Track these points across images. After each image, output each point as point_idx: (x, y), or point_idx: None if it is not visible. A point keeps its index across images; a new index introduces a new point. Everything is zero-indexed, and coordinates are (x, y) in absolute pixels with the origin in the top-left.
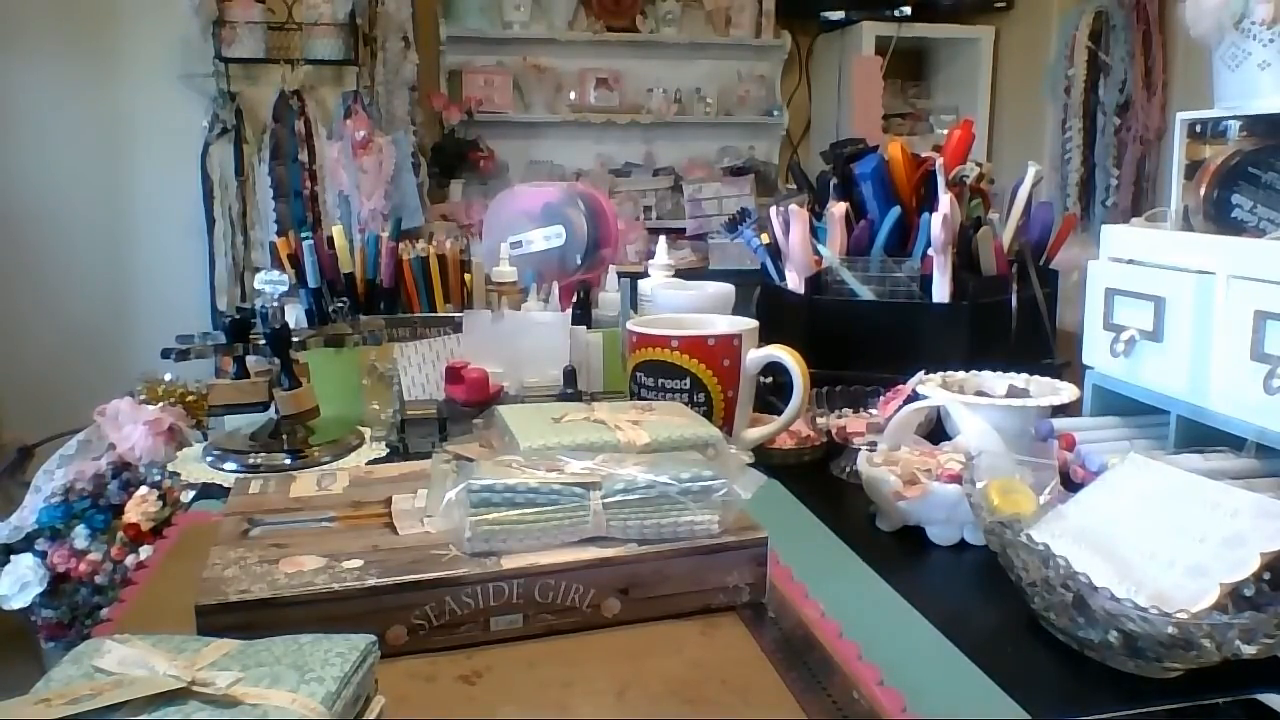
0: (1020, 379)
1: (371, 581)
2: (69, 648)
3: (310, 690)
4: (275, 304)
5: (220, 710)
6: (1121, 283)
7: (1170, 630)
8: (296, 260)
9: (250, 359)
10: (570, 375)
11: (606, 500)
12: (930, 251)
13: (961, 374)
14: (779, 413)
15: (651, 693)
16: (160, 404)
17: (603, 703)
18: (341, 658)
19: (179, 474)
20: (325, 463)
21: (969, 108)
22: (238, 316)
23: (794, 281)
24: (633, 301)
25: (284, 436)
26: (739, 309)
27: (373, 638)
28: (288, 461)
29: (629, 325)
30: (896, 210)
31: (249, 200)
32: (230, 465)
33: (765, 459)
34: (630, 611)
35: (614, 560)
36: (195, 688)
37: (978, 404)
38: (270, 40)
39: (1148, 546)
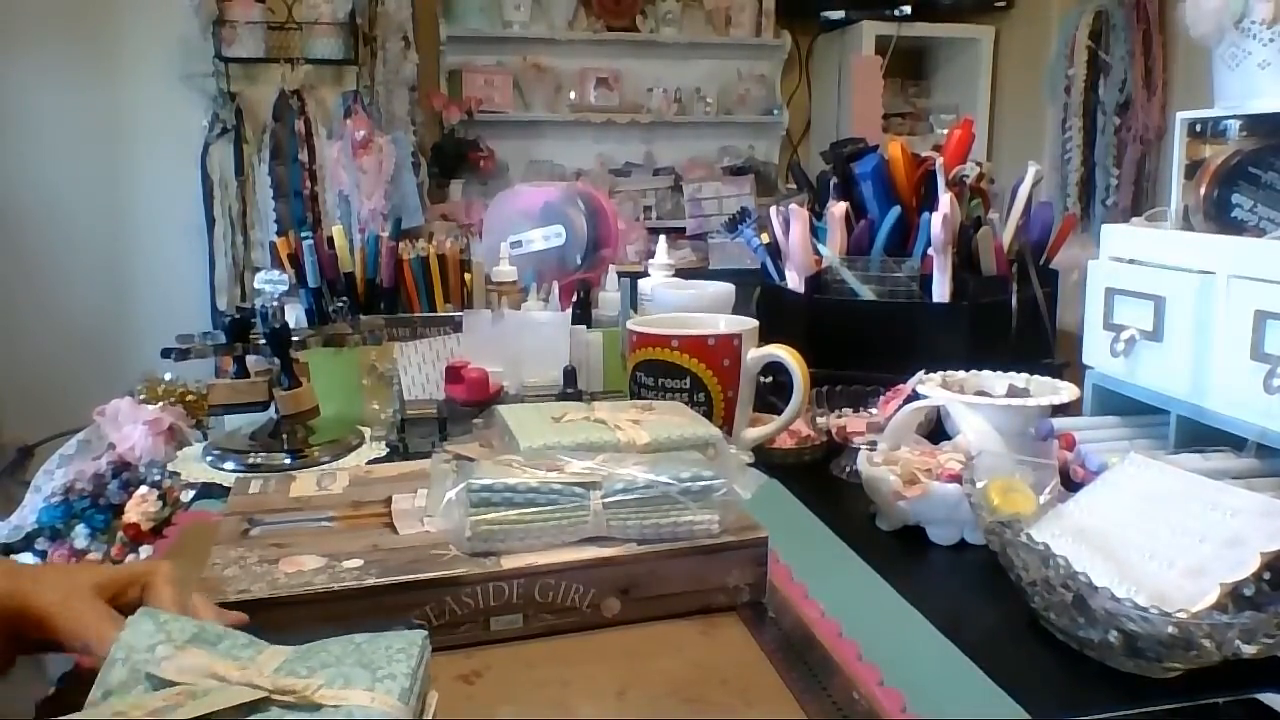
0: (1020, 379)
1: (371, 581)
2: None
3: (386, 688)
4: (275, 304)
5: (305, 714)
6: (1121, 283)
7: (1170, 630)
8: (296, 260)
9: (250, 359)
10: (570, 375)
11: (606, 500)
12: (930, 251)
13: (961, 374)
14: (779, 413)
15: (651, 693)
16: (160, 404)
17: (603, 703)
18: (405, 654)
19: (179, 474)
20: (325, 463)
21: (969, 108)
22: (238, 316)
23: (794, 281)
24: (633, 301)
25: (284, 436)
26: (739, 309)
27: (424, 633)
28: (288, 461)
29: (629, 325)
30: (896, 210)
31: (249, 200)
32: (230, 465)
33: (765, 459)
34: (630, 611)
35: (614, 560)
36: (276, 696)
37: (978, 404)
38: (270, 40)
39: (1148, 546)
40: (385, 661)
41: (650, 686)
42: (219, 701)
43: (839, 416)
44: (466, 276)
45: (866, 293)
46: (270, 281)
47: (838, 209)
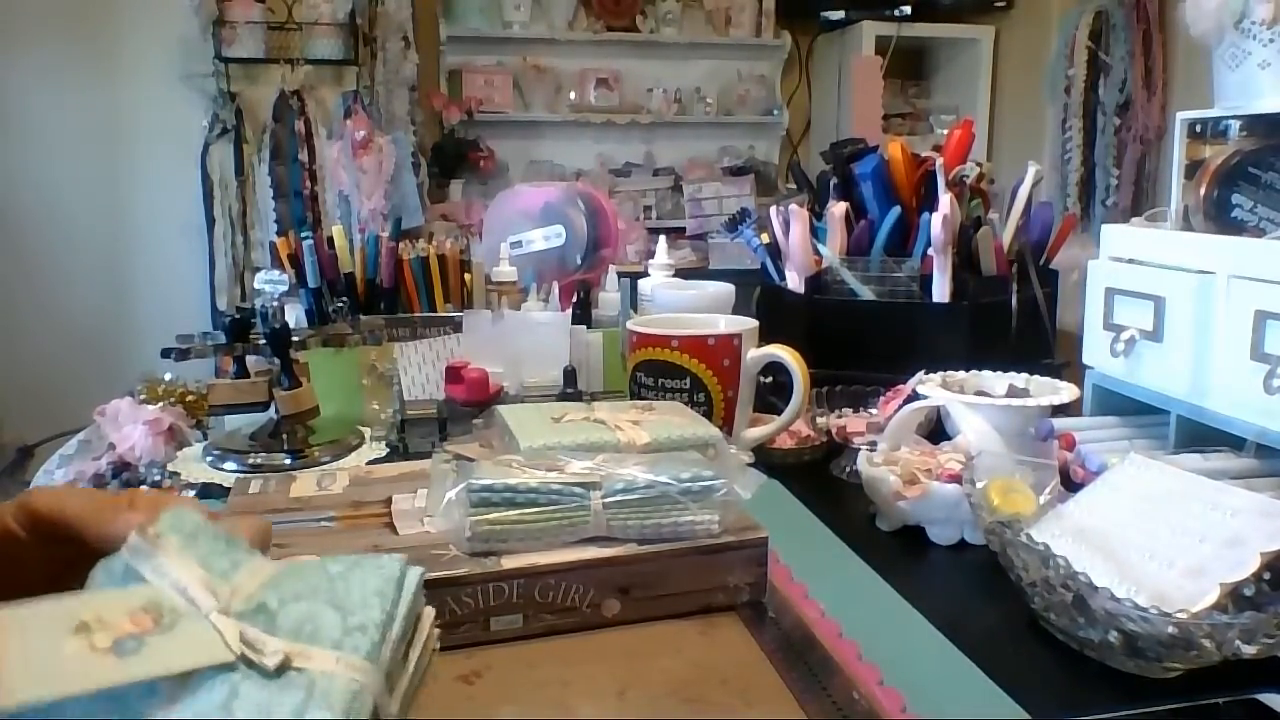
0: (1020, 379)
1: None
2: None
3: (354, 643)
4: (275, 304)
5: (265, 680)
6: (1121, 283)
7: (1170, 630)
8: (296, 260)
9: (250, 359)
10: (570, 375)
11: (607, 500)
12: (930, 251)
13: (961, 374)
14: (779, 413)
15: (651, 693)
16: (160, 404)
17: (603, 703)
18: (380, 596)
19: (179, 474)
20: (325, 463)
21: (969, 108)
22: (238, 316)
23: (794, 281)
24: (633, 301)
25: (284, 436)
26: (739, 309)
27: (402, 559)
28: (288, 461)
29: (629, 325)
30: (896, 210)
31: (249, 200)
32: (230, 465)
33: (765, 459)
34: (630, 611)
35: (614, 560)
36: (246, 652)
37: (978, 404)
38: (270, 40)
39: (1148, 546)
40: (359, 605)
41: (650, 686)
42: (177, 661)
43: (839, 416)
44: (466, 276)
45: (866, 293)
46: (270, 281)
47: (838, 209)
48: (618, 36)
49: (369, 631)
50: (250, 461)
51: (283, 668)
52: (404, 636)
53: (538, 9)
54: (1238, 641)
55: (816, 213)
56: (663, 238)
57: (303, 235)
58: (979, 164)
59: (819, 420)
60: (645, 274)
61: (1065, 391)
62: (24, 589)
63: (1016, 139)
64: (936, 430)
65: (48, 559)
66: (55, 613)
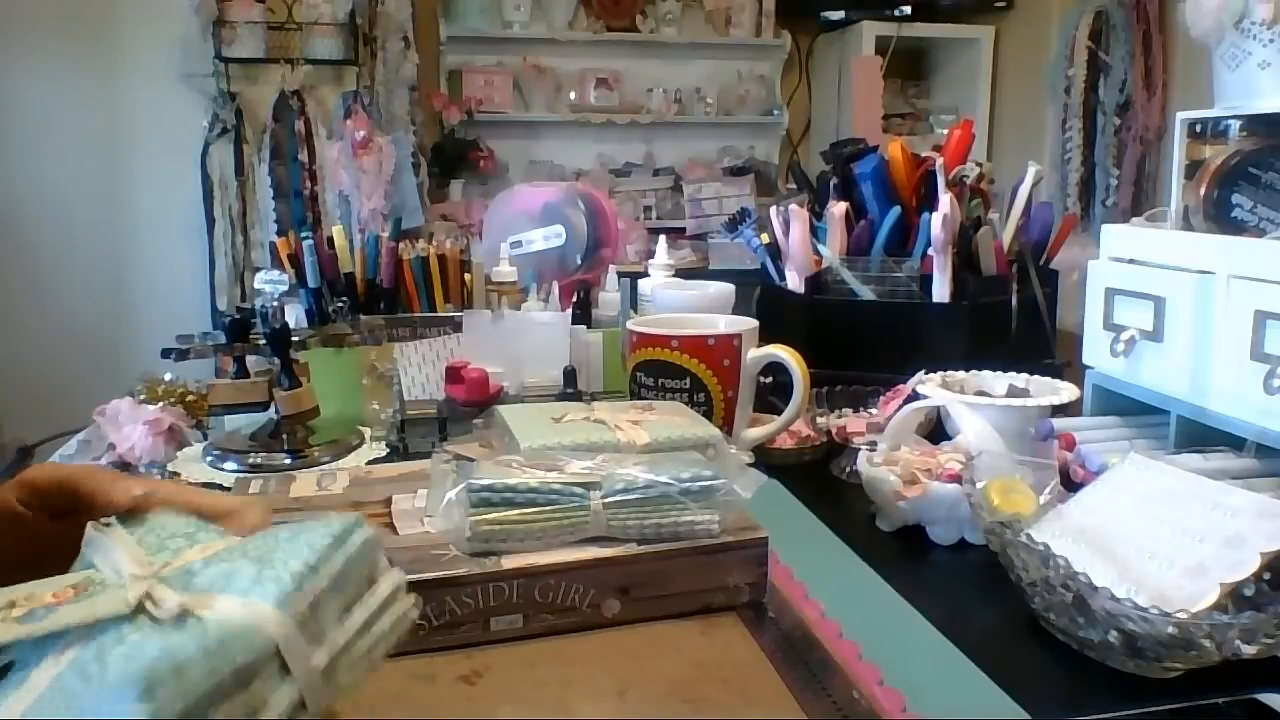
0: (1020, 379)
1: None
2: None
3: (263, 591)
4: (275, 304)
5: (155, 629)
6: (1121, 283)
7: (1170, 630)
8: (296, 260)
9: (250, 359)
10: (570, 375)
11: (607, 500)
12: (930, 251)
13: (961, 374)
14: (779, 413)
15: (651, 693)
16: (160, 404)
17: (603, 703)
18: (310, 548)
19: (179, 474)
20: (325, 463)
21: (969, 108)
22: (238, 316)
23: (794, 281)
24: (633, 301)
25: (284, 436)
26: (739, 309)
27: (357, 516)
28: (288, 461)
29: (629, 325)
30: (896, 210)
31: (249, 200)
32: (230, 465)
33: (765, 459)
34: (630, 611)
35: (614, 560)
36: (146, 603)
37: (978, 404)
38: (270, 40)
39: (1148, 546)
40: (284, 558)
41: (650, 686)
42: (76, 616)
43: (839, 416)
44: (466, 276)
45: (866, 293)
46: (270, 281)
47: (838, 209)
48: (618, 36)
49: (282, 580)
50: (250, 461)
51: (184, 617)
52: (338, 590)
53: (538, 9)
54: (1238, 641)
55: (816, 213)
56: (663, 238)
57: (303, 235)
58: (979, 164)
59: (819, 420)
60: (645, 274)
61: (1065, 391)
62: (35, 563)
63: (1016, 139)
64: (936, 430)
65: (54, 535)
66: None
